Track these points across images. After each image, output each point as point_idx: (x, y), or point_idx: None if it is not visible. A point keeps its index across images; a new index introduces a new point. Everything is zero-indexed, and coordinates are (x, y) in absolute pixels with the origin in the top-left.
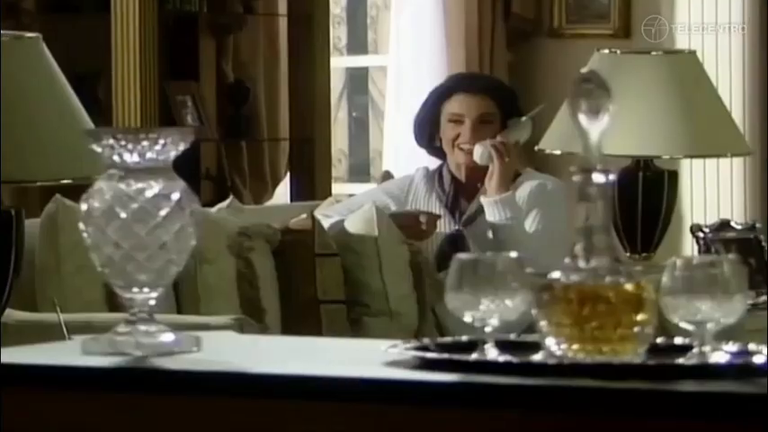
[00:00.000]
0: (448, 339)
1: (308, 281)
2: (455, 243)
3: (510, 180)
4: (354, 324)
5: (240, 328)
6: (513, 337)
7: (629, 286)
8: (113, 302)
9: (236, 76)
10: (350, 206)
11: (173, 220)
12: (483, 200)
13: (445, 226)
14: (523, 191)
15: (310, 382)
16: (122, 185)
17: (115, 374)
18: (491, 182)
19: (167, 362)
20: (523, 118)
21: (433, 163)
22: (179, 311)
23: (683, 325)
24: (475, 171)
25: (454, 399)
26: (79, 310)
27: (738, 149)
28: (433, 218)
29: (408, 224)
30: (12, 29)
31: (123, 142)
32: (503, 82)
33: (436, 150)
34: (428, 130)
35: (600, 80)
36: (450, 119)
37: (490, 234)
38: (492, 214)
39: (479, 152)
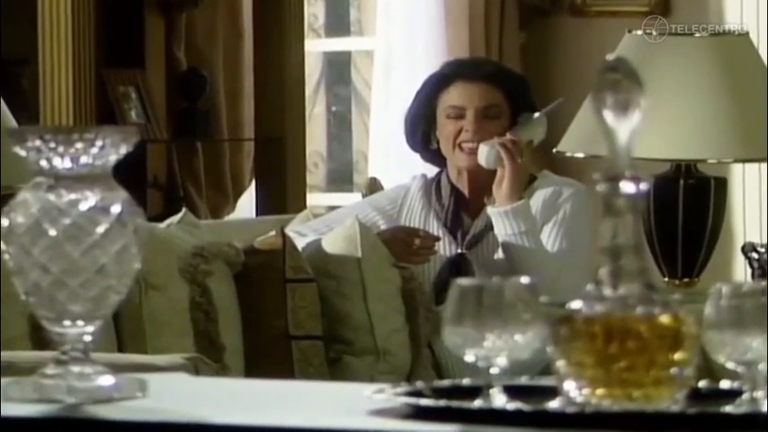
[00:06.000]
0: (446, 383)
1: (278, 312)
2: (457, 269)
3: (523, 186)
4: (333, 364)
5: (194, 368)
6: (524, 380)
7: (664, 318)
8: (40, 338)
9: (189, 63)
10: (329, 222)
11: (113, 239)
12: (490, 210)
13: (445, 248)
14: (537, 200)
15: None
16: (52, 196)
17: (43, 426)
18: (500, 189)
19: (106, 410)
20: (537, 114)
21: (432, 170)
22: (120, 349)
23: (731, 365)
24: (480, 178)
25: None
26: None
27: None
28: (431, 239)
29: (399, 243)
30: None
31: (53, 144)
32: (511, 68)
33: (432, 154)
34: (422, 129)
35: (629, 69)
36: (449, 113)
37: (500, 253)
38: (501, 228)
39: (485, 153)
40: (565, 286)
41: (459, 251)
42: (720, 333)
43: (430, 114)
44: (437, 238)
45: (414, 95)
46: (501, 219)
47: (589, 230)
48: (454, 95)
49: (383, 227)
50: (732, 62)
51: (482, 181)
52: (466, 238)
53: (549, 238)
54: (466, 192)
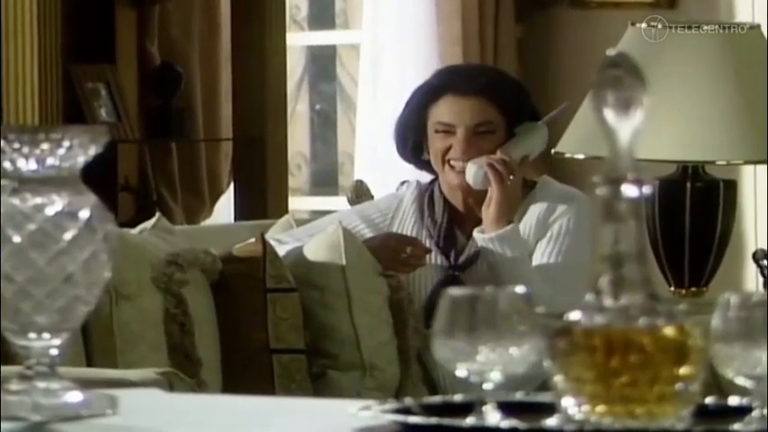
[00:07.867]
0: (437, 399)
1: (258, 324)
2: None
3: (513, 209)
4: (317, 380)
5: (168, 384)
6: (520, 395)
7: (669, 331)
8: (3, 352)
9: (163, 58)
10: (312, 231)
11: (81, 246)
12: (477, 236)
13: (437, 269)
14: (532, 214)
15: None
16: (15, 200)
17: None
18: (488, 212)
19: (74, 428)
20: (539, 123)
21: (427, 177)
22: (89, 363)
23: (740, 380)
24: (474, 194)
25: None
26: None
27: None
28: (423, 249)
29: (388, 250)
30: None
31: (17, 145)
32: (509, 76)
33: (425, 164)
34: (413, 140)
35: (631, 65)
36: (438, 128)
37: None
38: (489, 254)
39: (473, 173)
40: (560, 303)
41: (452, 272)
42: (729, 346)
43: (420, 126)
44: (428, 250)
45: (404, 105)
46: (488, 245)
47: (588, 248)
48: (443, 110)
49: None
50: (742, 57)
51: (477, 196)
52: (459, 259)
53: (544, 256)
54: (460, 208)
